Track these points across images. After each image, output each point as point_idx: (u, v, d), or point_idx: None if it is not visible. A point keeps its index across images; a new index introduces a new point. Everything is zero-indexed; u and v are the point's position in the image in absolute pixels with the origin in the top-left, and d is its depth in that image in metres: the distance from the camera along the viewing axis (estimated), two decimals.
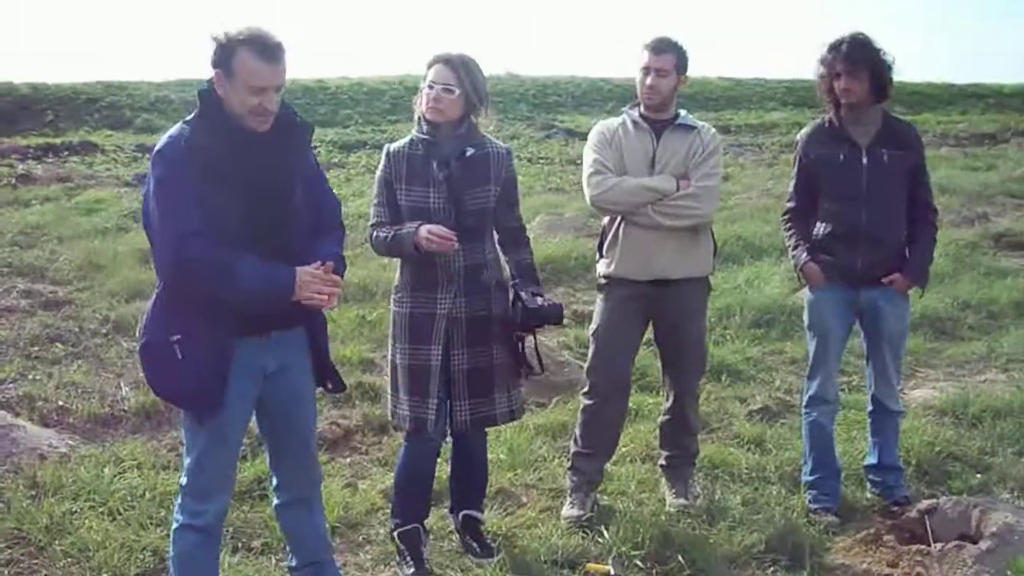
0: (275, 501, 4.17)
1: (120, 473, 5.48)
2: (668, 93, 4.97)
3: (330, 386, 4.13)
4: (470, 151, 4.48)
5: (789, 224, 5.43)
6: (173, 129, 3.60)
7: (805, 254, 5.26)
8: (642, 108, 5.03)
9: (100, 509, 5.02)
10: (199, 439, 3.73)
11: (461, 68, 4.40)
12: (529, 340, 4.72)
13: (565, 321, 7.78)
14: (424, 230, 4.30)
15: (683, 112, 5.10)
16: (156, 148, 3.57)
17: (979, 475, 5.75)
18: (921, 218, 5.32)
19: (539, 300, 4.58)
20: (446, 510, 5.03)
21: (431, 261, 4.42)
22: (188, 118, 3.61)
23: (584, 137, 19.52)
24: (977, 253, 11.22)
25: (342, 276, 3.86)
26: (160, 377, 3.68)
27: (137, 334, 3.84)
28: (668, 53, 4.94)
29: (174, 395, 3.79)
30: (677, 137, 5.00)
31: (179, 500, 3.85)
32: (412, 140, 4.53)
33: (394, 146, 4.57)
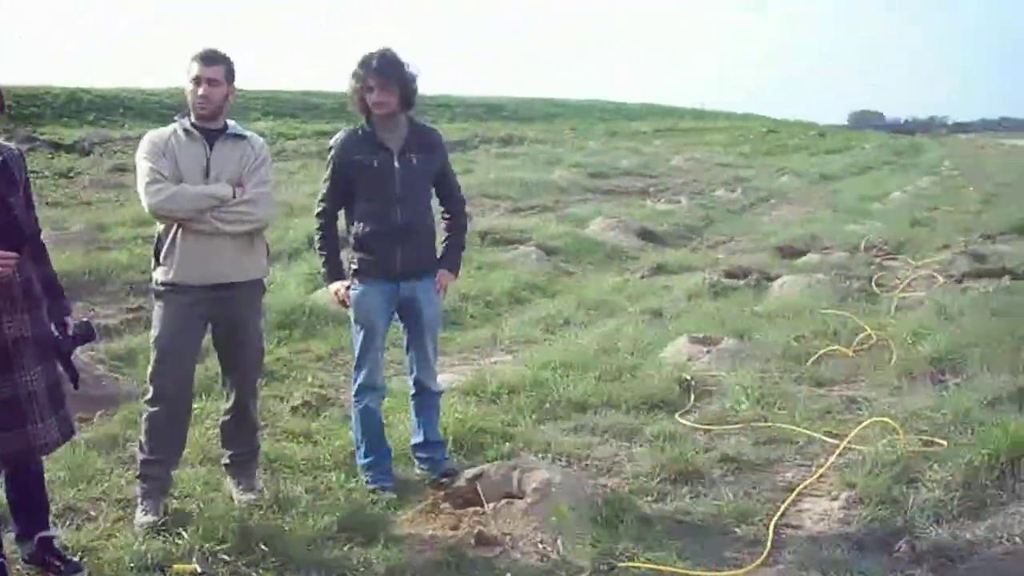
0: None
1: None
2: (220, 102, 5.10)
3: None
4: None
5: (321, 227, 5.77)
6: None
7: (333, 274, 5.77)
8: (193, 117, 5.14)
9: None
10: None
11: None
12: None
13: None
14: None
15: (232, 122, 5.27)
16: None
17: (507, 443, 6.40)
18: (454, 212, 5.90)
19: (73, 325, 4.56)
20: (12, 535, 4.82)
21: None
22: None
23: (69, 149, 18.78)
24: (470, 250, 12.13)
25: None
26: None
27: None
28: (218, 64, 5.08)
29: None
30: (229, 146, 5.17)
31: None
32: None
33: None
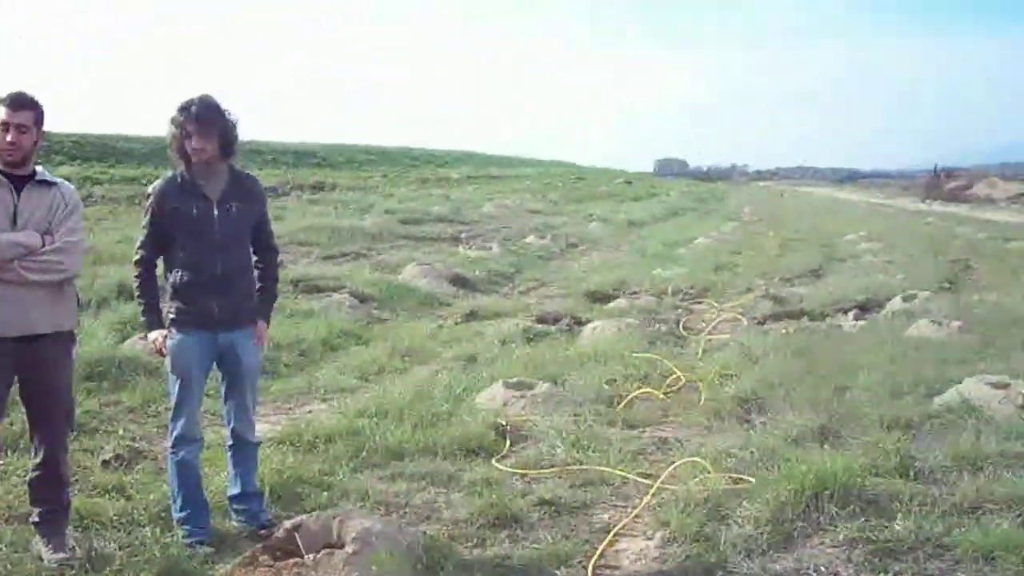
0: None
1: None
2: (29, 149, 4.99)
3: None
4: None
5: (140, 274, 5.66)
6: None
7: (152, 323, 5.63)
8: (0, 164, 5.00)
9: None
10: None
11: None
12: None
13: None
14: None
15: (40, 168, 5.14)
16: None
17: (325, 492, 6.36)
18: (267, 262, 5.87)
19: None
20: None
21: None
22: None
23: None
24: (283, 298, 11.98)
25: None
26: None
27: None
28: (27, 109, 4.97)
29: None
30: (38, 193, 5.04)
31: None
32: None
33: None
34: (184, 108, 5.41)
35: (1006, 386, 8.14)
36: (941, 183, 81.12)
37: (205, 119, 5.39)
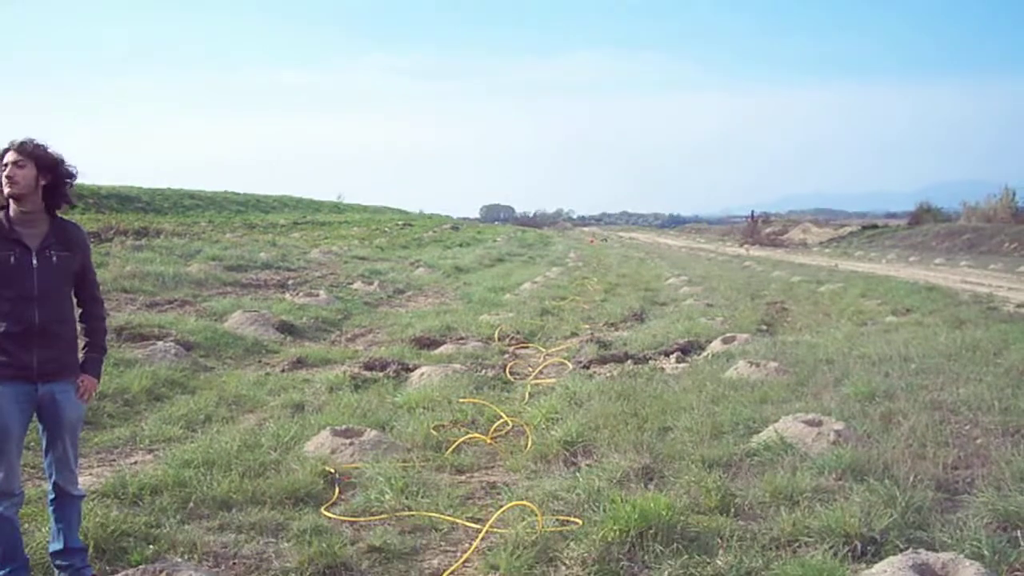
0: None
1: None
2: None
3: None
4: None
5: None
6: None
7: None
8: None
9: None
10: None
11: None
12: None
13: None
14: None
15: None
16: None
17: (151, 546, 6.26)
18: (92, 313, 5.78)
19: None
20: None
21: None
22: None
23: None
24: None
25: None
26: None
27: None
28: None
29: None
30: None
31: None
32: None
33: None
34: (10, 143, 5.36)
35: (819, 423, 8.55)
36: (758, 228, 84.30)
37: (24, 148, 5.35)
